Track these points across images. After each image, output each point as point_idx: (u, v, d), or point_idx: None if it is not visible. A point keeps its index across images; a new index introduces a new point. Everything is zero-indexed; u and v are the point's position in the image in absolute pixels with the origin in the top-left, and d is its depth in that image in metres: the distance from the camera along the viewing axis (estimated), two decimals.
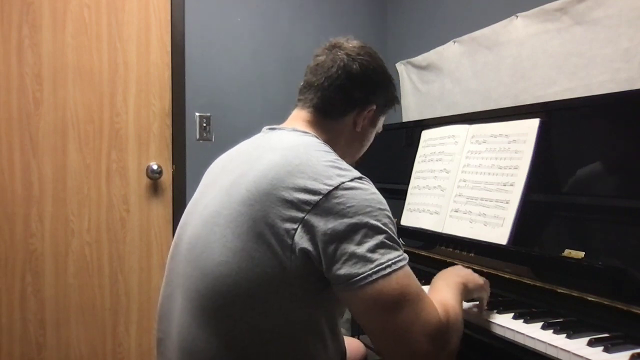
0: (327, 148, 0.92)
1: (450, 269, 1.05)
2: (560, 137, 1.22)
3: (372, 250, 0.77)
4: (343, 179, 0.81)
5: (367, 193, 0.82)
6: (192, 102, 2.27)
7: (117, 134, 2.15)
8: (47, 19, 2.02)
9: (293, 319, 0.83)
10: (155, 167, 2.18)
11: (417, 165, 1.61)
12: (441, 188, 1.46)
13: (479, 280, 1.03)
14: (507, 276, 1.15)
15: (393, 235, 0.81)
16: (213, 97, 2.29)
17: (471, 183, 1.35)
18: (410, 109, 2.45)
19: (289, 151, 0.87)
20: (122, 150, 2.15)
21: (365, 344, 1.42)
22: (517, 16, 1.80)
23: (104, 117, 2.12)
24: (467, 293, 0.98)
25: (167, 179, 2.23)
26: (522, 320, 0.98)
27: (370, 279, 0.76)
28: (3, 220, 1.98)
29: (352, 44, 1.02)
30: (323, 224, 0.78)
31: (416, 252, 1.46)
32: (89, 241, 2.11)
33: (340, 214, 0.78)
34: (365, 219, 0.79)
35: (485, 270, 1.21)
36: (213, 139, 2.30)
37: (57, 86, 2.05)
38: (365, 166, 2.11)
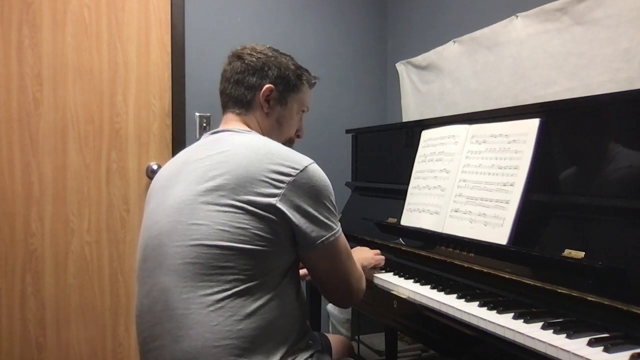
0: (272, 140, 1.10)
1: (355, 252, 1.30)
2: (560, 137, 1.22)
3: (329, 218, 1.03)
4: (306, 163, 1.02)
5: (323, 175, 1.04)
6: (192, 102, 2.27)
7: (117, 134, 2.15)
8: (47, 19, 2.03)
9: (279, 271, 1.01)
10: (155, 167, 2.18)
11: (417, 165, 1.61)
12: (441, 188, 1.46)
13: (370, 259, 1.41)
14: (507, 276, 1.15)
15: (335, 207, 1.07)
16: (213, 97, 2.25)
17: (471, 183, 1.35)
18: (410, 109, 2.45)
19: (251, 146, 1.04)
20: (122, 150, 2.16)
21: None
22: (517, 16, 1.80)
23: (104, 117, 2.13)
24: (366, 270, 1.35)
25: None
26: (522, 320, 0.98)
27: (329, 240, 1.02)
28: (3, 220, 1.98)
29: (244, 49, 1.19)
30: (297, 197, 0.99)
31: (416, 252, 1.46)
32: (89, 241, 2.11)
33: (308, 190, 1.00)
34: (325, 194, 1.03)
35: (485, 270, 1.21)
36: None
37: (57, 86, 2.05)
38: (366, 166, 2.12)
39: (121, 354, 2.18)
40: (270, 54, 1.19)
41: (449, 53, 2.16)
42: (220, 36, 2.32)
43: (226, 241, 0.95)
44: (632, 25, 1.42)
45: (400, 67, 2.53)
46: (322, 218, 1.01)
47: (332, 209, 1.05)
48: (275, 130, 1.20)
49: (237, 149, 1.03)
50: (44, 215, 2.04)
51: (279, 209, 0.97)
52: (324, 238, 1.01)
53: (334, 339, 1.37)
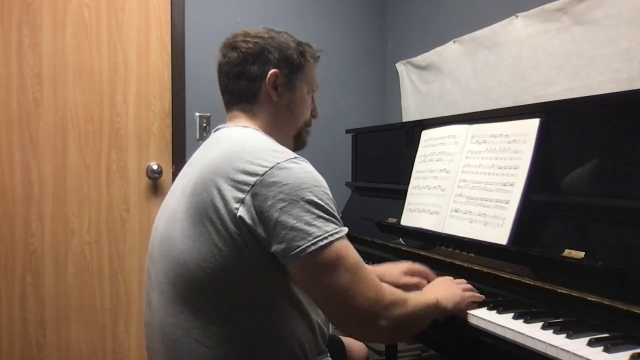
0: (265, 137, 0.99)
1: (433, 284, 1.12)
2: (560, 137, 1.22)
3: (309, 223, 0.83)
4: (278, 160, 0.86)
5: (302, 171, 0.86)
6: (192, 102, 2.27)
7: (117, 134, 2.15)
8: (47, 19, 2.02)
9: (264, 295, 0.88)
10: (155, 167, 2.18)
11: (417, 165, 1.61)
12: (441, 188, 1.46)
13: (456, 297, 1.05)
14: (507, 276, 1.15)
15: (330, 209, 0.87)
16: (213, 97, 2.26)
17: (471, 183, 1.35)
18: (410, 109, 2.45)
19: (229, 142, 0.94)
20: (122, 150, 2.15)
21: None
22: (517, 16, 1.80)
23: (104, 117, 2.12)
24: (442, 309, 1.00)
25: (167, 179, 2.23)
26: (522, 320, 0.98)
27: (308, 250, 0.82)
28: (3, 220, 1.98)
29: (237, 37, 1.07)
30: (262, 202, 0.83)
31: (416, 252, 1.46)
32: (89, 241, 2.11)
33: (277, 191, 0.83)
34: (302, 194, 0.84)
35: (485, 270, 1.21)
36: None
37: (57, 86, 2.05)
38: (366, 166, 2.12)
39: (121, 354, 2.18)
40: (267, 35, 1.06)
41: (449, 53, 2.16)
42: (220, 36, 2.28)
43: (198, 260, 0.86)
44: (632, 25, 1.42)
45: (400, 67, 2.53)
46: (295, 223, 0.82)
47: (317, 211, 0.84)
48: (287, 118, 1.08)
49: (216, 149, 0.94)
50: (44, 215, 2.04)
51: (241, 218, 0.83)
52: (298, 249, 0.81)
53: (350, 344, 1.31)
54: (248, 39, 1.04)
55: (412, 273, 1.25)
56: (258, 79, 1.03)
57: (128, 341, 2.19)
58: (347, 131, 2.21)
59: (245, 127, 1.02)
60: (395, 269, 1.24)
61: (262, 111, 1.05)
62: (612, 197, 1.09)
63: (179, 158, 2.23)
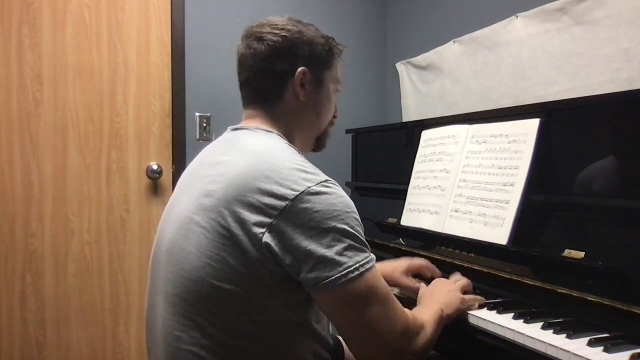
0: (290, 149, 0.92)
1: (431, 292, 1.10)
2: (560, 137, 1.22)
3: (340, 253, 0.80)
4: (309, 184, 0.82)
5: (333, 197, 0.83)
6: (192, 102, 2.27)
7: (117, 134, 2.15)
8: (47, 19, 2.02)
9: (276, 317, 0.85)
10: (155, 167, 2.18)
11: (417, 165, 1.61)
12: (441, 188, 1.46)
13: (456, 302, 1.05)
14: (507, 276, 1.15)
15: (360, 237, 0.85)
16: (213, 97, 2.29)
17: (471, 183, 1.35)
18: (410, 109, 2.45)
19: (253, 157, 0.87)
20: (122, 150, 2.15)
21: None
22: (517, 16, 1.80)
23: (104, 117, 2.12)
24: (446, 318, 1.00)
25: (167, 179, 2.23)
26: (522, 320, 0.98)
27: (339, 281, 0.79)
28: (3, 220, 1.98)
29: (262, 27, 1.01)
30: (291, 229, 0.80)
31: (416, 252, 1.46)
32: (89, 241, 2.11)
33: (307, 219, 0.80)
34: (333, 223, 0.81)
35: (485, 270, 1.21)
36: (213, 139, 2.29)
37: (57, 86, 2.05)
38: (366, 166, 2.12)
39: (121, 354, 2.17)
40: (295, 28, 1.01)
41: (449, 53, 2.16)
42: (220, 36, 2.31)
43: (212, 278, 0.82)
44: (632, 25, 1.42)
45: (400, 67, 2.53)
46: (325, 252, 0.79)
47: (348, 240, 0.81)
48: (313, 119, 1.03)
49: (239, 159, 0.88)
50: (44, 215, 2.04)
51: (267, 244, 0.80)
52: (328, 280, 0.79)
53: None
54: (276, 31, 0.98)
55: (412, 272, 1.28)
56: (285, 76, 0.98)
57: (128, 341, 2.19)
58: (347, 131, 2.21)
59: (269, 131, 0.96)
60: (397, 270, 1.26)
61: (286, 111, 0.99)
62: (612, 197, 1.09)
63: (179, 158, 2.23)
